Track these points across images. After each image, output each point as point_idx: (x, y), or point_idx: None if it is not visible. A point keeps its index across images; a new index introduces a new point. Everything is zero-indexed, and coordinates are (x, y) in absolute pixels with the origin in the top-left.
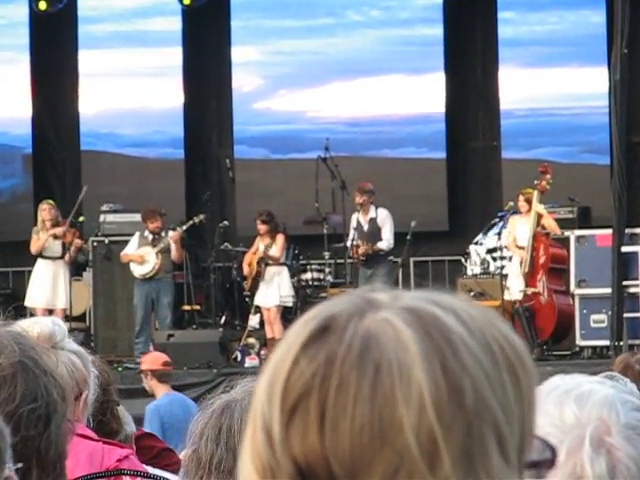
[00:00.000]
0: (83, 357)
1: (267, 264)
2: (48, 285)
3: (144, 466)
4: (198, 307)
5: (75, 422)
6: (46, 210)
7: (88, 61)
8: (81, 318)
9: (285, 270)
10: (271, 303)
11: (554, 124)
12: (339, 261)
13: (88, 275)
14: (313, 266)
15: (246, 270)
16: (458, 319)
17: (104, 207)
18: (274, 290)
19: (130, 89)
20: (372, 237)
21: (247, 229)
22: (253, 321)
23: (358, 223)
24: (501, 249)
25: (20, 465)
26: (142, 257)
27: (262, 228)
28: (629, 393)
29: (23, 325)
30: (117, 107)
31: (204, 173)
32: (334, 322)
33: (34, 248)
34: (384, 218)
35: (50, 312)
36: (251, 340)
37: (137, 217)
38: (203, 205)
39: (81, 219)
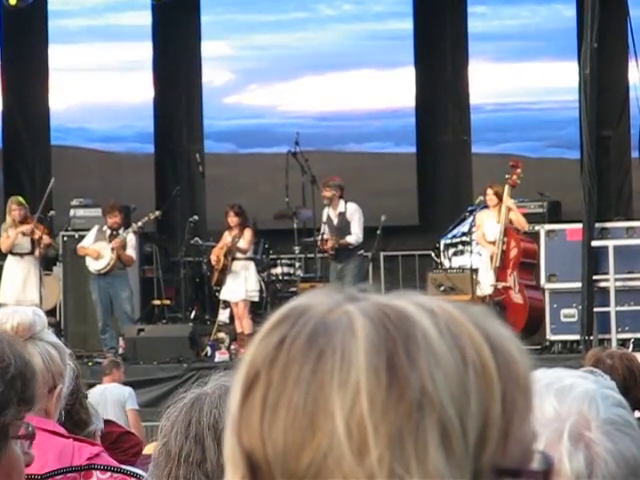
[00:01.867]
0: (61, 350)
1: (234, 258)
2: (19, 281)
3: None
4: (168, 302)
5: (47, 416)
6: (17, 211)
7: (58, 56)
8: (51, 313)
9: (252, 265)
10: (238, 297)
11: (524, 119)
12: (309, 255)
13: (58, 270)
14: (283, 261)
15: (213, 262)
16: (431, 317)
17: (74, 202)
18: (240, 284)
19: (100, 84)
20: (341, 231)
21: (217, 223)
22: (223, 316)
23: (328, 217)
24: (470, 243)
25: None
26: (98, 252)
27: (233, 220)
28: (611, 388)
29: (1, 314)
30: (87, 102)
31: (174, 168)
32: (295, 311)
33: (4, 246)
34: (353, 212)
35: None
36: (221, 335)
37: None
38: (173, 200)
39: (51, 213)
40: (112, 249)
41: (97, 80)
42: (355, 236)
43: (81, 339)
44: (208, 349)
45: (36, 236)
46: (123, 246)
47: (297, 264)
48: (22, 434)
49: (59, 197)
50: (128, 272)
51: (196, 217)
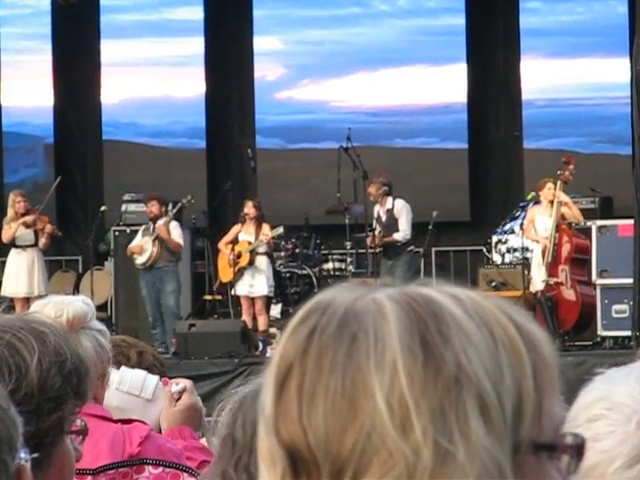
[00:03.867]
0: (106, 335)
1: (257, 253)
2: (23, 274)
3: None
4: (219, 297)
5: (96, 402)
6: (20, 203)
7: (110, 50)
8: (102, 307)
9: (269, 260)
10: (259, 292)
11: (575, 114)
12: (361, 251)
13: (110, 265)
14: (335, 256)
15: (226, 258)
16: (457, 301)
17: (125, 196)
18: (262, 279)
19: (151, 79)
20: (389, 228)
21: (268, 219)
22: (274, 311)
23: (378, 214)
24: (522, 239)
25: (36, 455)
26: (141, 247)
27: (252, 212)
28: None
29: (52, 309)
30: (138, 96)
31: (225, 163)
32: (322, 304)
33: (5, 237)
34: (400, 209)
35: (28, 300)
36: (273, 330)
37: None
38: (224, 195)
39: (102, 208)
40: (154, 241)
41: (148, 75)
42: (402, 233)
43: (132, 334)
44: (260, 344)
45: (39, 227)
46: (167, 232)
47: (349, 259)
48: (75, 429)
49: (111, 192)
50: (179, 267)
51: (247, 211)
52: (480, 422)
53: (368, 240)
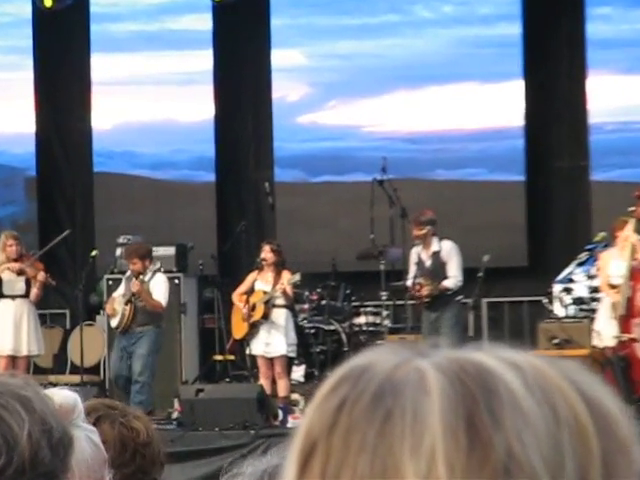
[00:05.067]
0: (97, 433)
1: (274, 305)
2: (9, 328)
3: None
4: (232, 357)
5: None
6: (13, 247)
7: (102, 67)
8: (94, 370)
9: (289, 314)
10: (277, 352)
11: None
12: (399, 302)
13: (102, 320)
14: (368, 309)
15: (240, 312)
16: (516, 371)
17: (120, 239)
18: (280, 337)
19: (151, 100)
20: (436, 274)
21: (289, 264)
22: (297, 373)
23: (419, 258)
24: (590, 289)
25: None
26: (113, 308)
27: (269, 258)
28: None
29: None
30: (135, 121)
31: (238, 199)
32: (356, 371)
33: None
34: (449, 251)
35: (13, 359)
36: (295, 396)
37: (160, 250)
38: (237, 236)
39: (93, 253)
40: (127, 303)
41: (147, 95)
42: (454, 279)
43: (128, 400)
44: (279, 413)
45: (32, 274)
46: (145, 290)
47: (384, 312)
48: None
49: (103, 233)
50: (162, 328)
51: (264, 256)
52: None
53: (414, 289)
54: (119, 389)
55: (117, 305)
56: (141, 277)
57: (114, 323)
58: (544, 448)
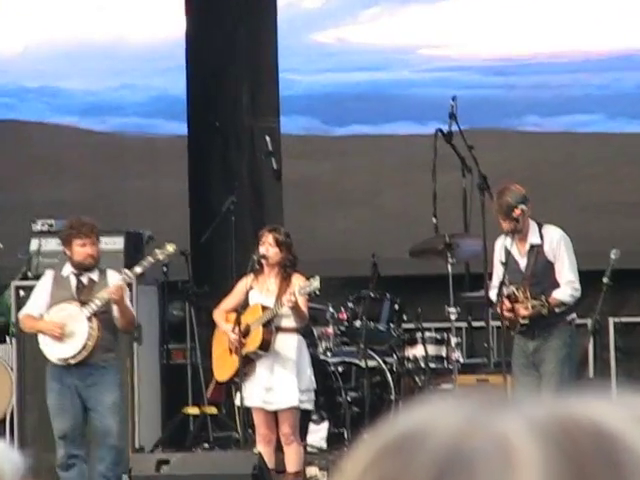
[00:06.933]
0: None
1: (280, 328)
2: None
3: None
4: (214, 409)
5: None
6: None
7: None
8: None
9: (303, 342)
10: (285, 403)
11: None
12: (476, 325)
13: (8, 349)
14: (428, 334)
15: (225, 340)
16: None
17: (38, 225)
18: (289, 379)
19: (86, 9)
20: (538, 281)
21: (303, 265)
22: (316, 435)
23: (508, 255)
24: None
25: None
26: (62, 326)
27: (274, 253)
28: None
29: None
30: (63, 42)
31: (224, 162)
32: (408, 438)
33: None
34: (557, 243)
35: None
36: (313, 471)
37: (101, 243)
38: (222, 220)
39: None
40: (90, 317)
41: (80, 4)
42: (569, 288)
43: (50, 470)
44: None
45: None
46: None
47: (454, 340)
48: None
49: (8, 216)
50: (122, 356)
51: (264, 250)
52: None
53: (501, 304)
54: (70, 442)
55: (72, 322)
56: (125, 271)
57: (65, 352)
58: None
